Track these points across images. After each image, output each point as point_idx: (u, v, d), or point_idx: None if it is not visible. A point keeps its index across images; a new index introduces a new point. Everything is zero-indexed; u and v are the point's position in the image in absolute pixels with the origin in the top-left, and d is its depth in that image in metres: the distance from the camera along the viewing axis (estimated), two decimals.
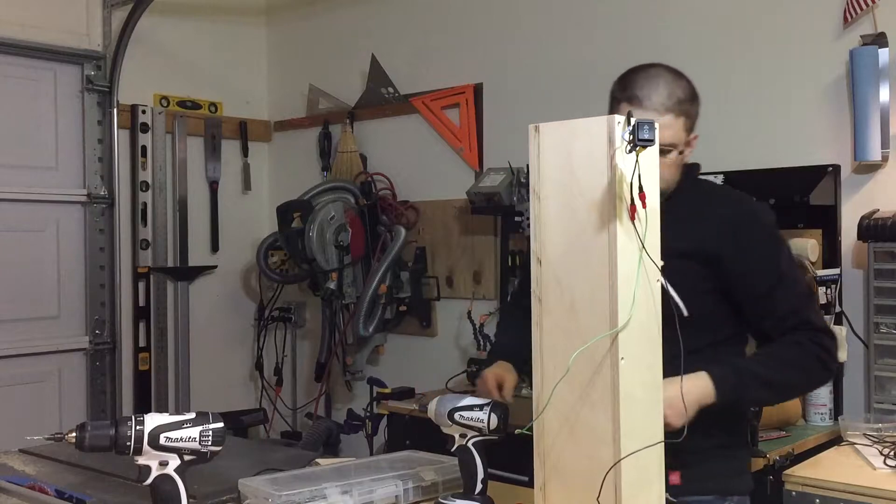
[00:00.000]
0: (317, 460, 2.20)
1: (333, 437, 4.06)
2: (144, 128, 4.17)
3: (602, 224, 1.41)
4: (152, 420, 1.48)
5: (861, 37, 2.86)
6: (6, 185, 3.78)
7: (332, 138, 4.39)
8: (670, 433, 1.52)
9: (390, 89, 4.15)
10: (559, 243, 1.47)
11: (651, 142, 1.40)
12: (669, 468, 1.52)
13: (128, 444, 1.46)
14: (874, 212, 2.76)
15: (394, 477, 1.90)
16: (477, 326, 3.67)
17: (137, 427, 1.47)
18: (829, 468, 2.24)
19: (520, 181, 3.47)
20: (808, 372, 1.90)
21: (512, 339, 2.17)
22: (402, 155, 4.14)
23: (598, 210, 1.42)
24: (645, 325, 1.45)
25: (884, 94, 2.79)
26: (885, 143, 2.80)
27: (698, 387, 1.74)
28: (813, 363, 1.87)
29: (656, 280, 1.47)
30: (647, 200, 1.40)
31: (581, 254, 1.44)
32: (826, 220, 2.90)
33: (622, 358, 1.41)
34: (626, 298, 1.41)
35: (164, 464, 1.49)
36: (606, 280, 1.41)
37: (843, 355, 2.70)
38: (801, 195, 2.80)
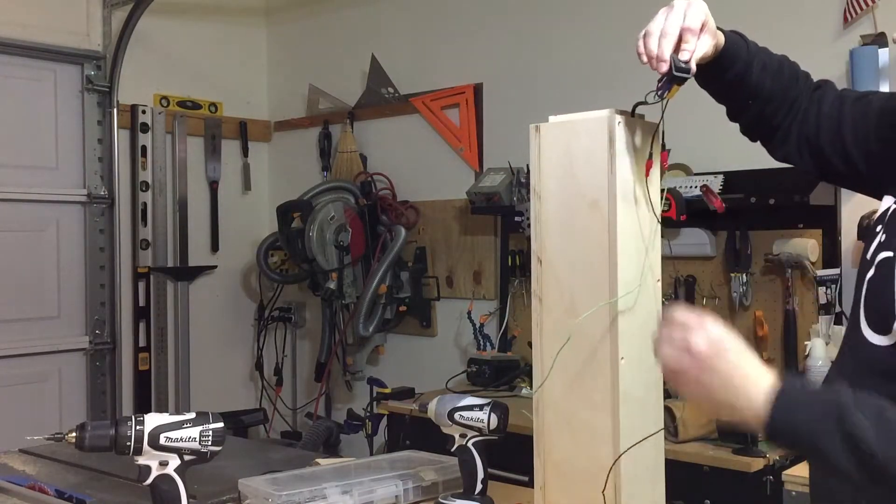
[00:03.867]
0: (317, 460, 2.20)
1: (333, 437, 4.06)
2: (144, 128, 4.17)
3: (602, 224, 1.41)
4: (152, 420, 1.48)
5: (861, 37, 2.86)
6: (6, 185, 3.78)
7: (332, 138, 4.39)
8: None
9: (390, 89, 4.15)
10: (559, 243, 1.47)
11: (688, 74, 1.30)
12: None
13: (128, 444, 1.46)
14: (874, 212, 2.72)
15: (394, 477, 1.90)
16: (477, 326, 3.68)
17: (137, 427, 1.47)
18: None
19: (520, 181, 3.47)
20: None
21: None
22: (402, 155, 4.13)
23: (598, 209, 1.42)
24: (645, 326, 1.45)
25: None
26: None
27: (746, 378, 1.08)
28: None
29: (656, 280, 1.47)
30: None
31: (581, 253, 1.44)
32: (826, 220, 2.90)
33: (622, 358, 1.41)
34: (625, 298, 1.41)
35: (164, 464, 1.49)
36: (606, 280, 1.41)
37: None
38: (801, 195, 2.80)
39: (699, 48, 1.30)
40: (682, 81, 1.30)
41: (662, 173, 1.43)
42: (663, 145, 1.46)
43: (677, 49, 1.29)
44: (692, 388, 1.11)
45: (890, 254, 1.21)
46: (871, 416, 1.01)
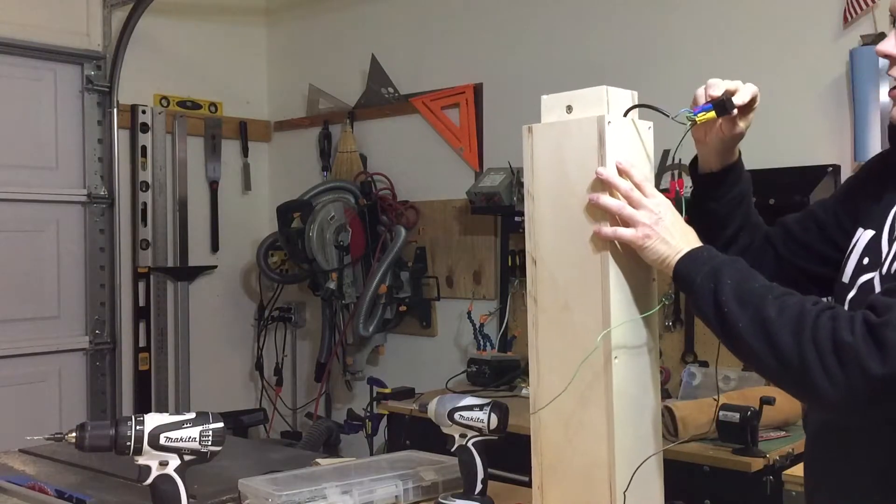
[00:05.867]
0: (317, 460, 2.20)
1: (333, 437, 4.06)
2: (144, 128, 4.17)
3: (595, 223, 1.41)
4: (152, 420, 1.48)
5: (861, 37, 2.86)
6: (6, 185, 3.78)
7: (332, 138, 4.39)
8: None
9: (390, 89, 4.15)
10: (553, 243, 1.47)
11: (731, 110, 1.39)
12: None
13: (128, 444, 1.46)
14: None
15: (394, 477, 1.90)
16: (477, 326, 3.68)
17: (137, 427, 1.47)
18: None
19: (519, 181, 3.47)
20: (802, 343, 1.16)
21: None
22: (402, 155, 4.14)
23: (591, 209, 1.41)
24: (639, 325, 1.45)
25: (884, 93, 2.79)
26: (885, 143, 2.80)
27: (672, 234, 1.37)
28: (821, 341, 1.15)
29: (652, 279, 1.47)
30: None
31: (574, 253, 1.44)
32: None
33: (615, 357, 1.40)
34: (618, 298, 1.41)
35: (164, 464, 1.49)
36: (599, 279, 1.41)
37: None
38: (801, 195, 2.80)
39: (744, 97, 1.42)
40: (722, 113, 1.39)
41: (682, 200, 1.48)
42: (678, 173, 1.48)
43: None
44: (641, 233, 1.36)
45: (872, 275, 1.30)
46: (734, 283, 1.27)
